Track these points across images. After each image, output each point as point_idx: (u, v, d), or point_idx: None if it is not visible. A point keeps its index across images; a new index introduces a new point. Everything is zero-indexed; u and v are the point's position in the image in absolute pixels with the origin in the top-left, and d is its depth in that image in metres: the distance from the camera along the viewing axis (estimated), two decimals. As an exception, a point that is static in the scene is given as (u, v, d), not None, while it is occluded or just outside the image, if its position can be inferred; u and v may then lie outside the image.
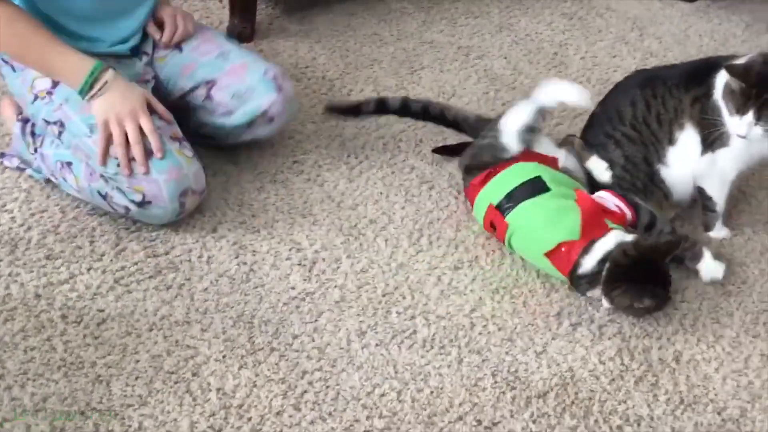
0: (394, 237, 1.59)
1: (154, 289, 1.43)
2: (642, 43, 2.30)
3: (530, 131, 1.58)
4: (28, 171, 1.63)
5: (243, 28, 2.14)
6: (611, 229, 1.45)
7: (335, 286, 1.47)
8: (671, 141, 1.57)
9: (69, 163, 1.53)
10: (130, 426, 1.21)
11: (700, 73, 1.56)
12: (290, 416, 1.24)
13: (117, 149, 1.44)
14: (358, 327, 1.39)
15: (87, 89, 1.46)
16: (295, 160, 1.77)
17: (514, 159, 1.57)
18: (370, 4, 2.41)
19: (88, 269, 1.46)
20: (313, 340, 1.36)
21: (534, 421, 1.26)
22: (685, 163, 1.58)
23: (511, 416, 1.27)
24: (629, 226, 1.52)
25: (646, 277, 1.37)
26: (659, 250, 1.39)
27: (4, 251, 1.47)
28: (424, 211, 1.66)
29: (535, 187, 1.50)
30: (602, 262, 1.39)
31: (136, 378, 1.28)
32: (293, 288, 1.45)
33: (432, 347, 1.37)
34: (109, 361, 1.30)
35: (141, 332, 1.35)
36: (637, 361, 1.36)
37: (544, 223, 1.47)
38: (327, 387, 1.29)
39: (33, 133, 1.60)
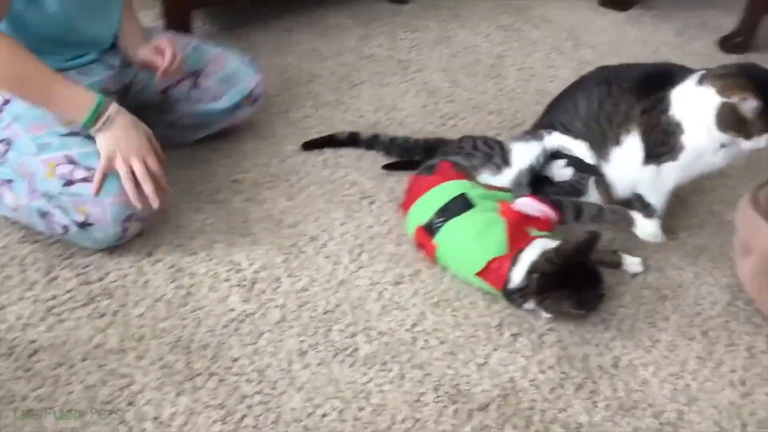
0: (334, 254, 1.58)
1: (87, 318, 1.39)
2: (577, 52, 2.34)
3: (530, 172, 1.63)
4: None
5: (178, 47, 2.12)
6: (534, 238, 1.46)
7: (276, 306, 1.45)
8: (617, 142, 1.60)
9: (9, 181, 1.48)
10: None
11: (652, 83, 1.57)
12: (230, 442, 1.22)
13: (126, 185, 1.42)
14: (299, 347, 1.38)
15: (91, 123, 1.43)
16: (233, 180, 1.75)
17: (438, 178, 1.58)
18: (308, 20, 2.42)
19: (19, 299, 1.42)
20: (253, 363, 1.34)
21: (476, 434, 1.26)
22: (626, 165, 1.61)
23: (454, 430, 1.27)
24: (561, 224, 1.54)
25: (575, 280, 1.39)
26: (581, 250, 1.41)
27: (-71, 284, 1.43)
28: (365, 227, 1.66)
29: (460, 205, 1.51)
30: (530, 273, 1.40)
31: (69, 410, 1.24)
32: (232, 310, 1.43)
33: (374, 364, 1.36)
34: (41, 393, 1.27)
35: (74, 362, 1.31)
36: (577, 368, 1.38)
37: (471, 242, 1.47)
38: (267, 410, 1.27)
39: None
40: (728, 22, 2.54)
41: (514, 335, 1.43)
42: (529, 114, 2.03)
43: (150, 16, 2.22)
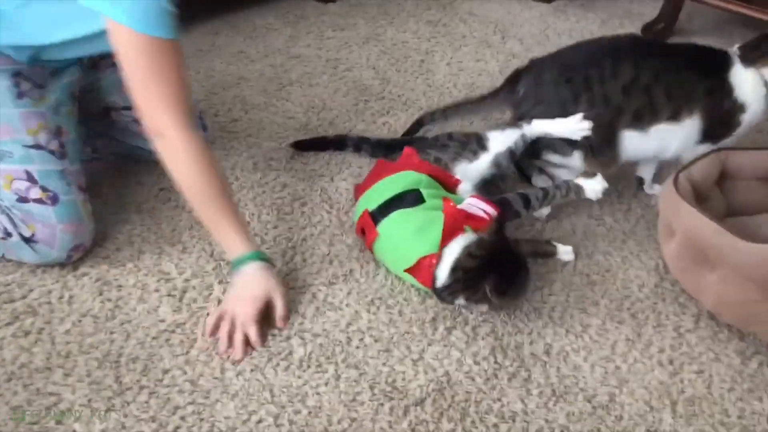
0: (266, 258, 1.57)
1: (11, 337, 1.35)
2: (504, 45, 2.37)
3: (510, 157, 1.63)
4: None
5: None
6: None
7: (207, 315, 1.43)
8: (675, 118, 1.61)
9: None
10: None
11: (706, 63, 1.63)
12: (163, 455, 1.20)
13: (220, 345, 1.36)
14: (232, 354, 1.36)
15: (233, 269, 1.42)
16: (161, 188, 1.72)
17: (398, 166, 1.58)
18: (234, 21, 2.39)
19: (-62, 322, 1.37)
20: (185, 373, 1.32)
21: (413, 429, 1.27)
22: (675, 141, 1.64)
23: (390, 427, 1.27)
24: (509, 221, 1.54)
25: (499, 270, 1.38)
26: (496, 234, 1.40)
27: None
28: (297, 229, 1.65)
29: (412, 199, 1.51)
30: (454, 270, 1.40)
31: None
32: (162, 321, 1.41)
33: (309, 366, 1.36)
34: (-36, 418, 1.23)
35: (-2, 384, 1.28)
36: (510, 357, 1.39)
37: (408, 237, 1.47)
38: (201, 420, 1.25)
39: None
40: (650, 9, 2.61)
41: (448, 329, 1.44)
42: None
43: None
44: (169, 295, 1.46)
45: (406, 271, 1.46)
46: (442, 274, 1.41)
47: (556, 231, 1.67)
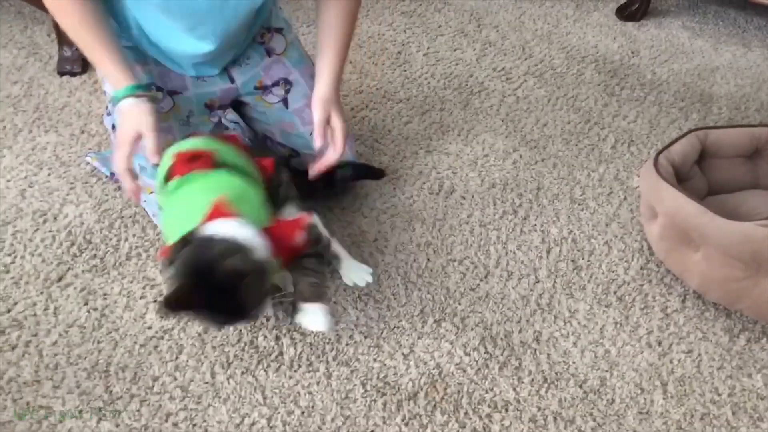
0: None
1: (-3, 352, 1.34)
2: (480, 33, 2.36)
3: None
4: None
5: (74, 61, 2.05)
6: None
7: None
8: None
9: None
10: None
11: None
12: (157, 462, 1.20)
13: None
14: (222, 358, 1.36)
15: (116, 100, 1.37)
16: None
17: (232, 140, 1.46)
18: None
19: None
20: (175, 379, 1.31)
21: (406, 424, 1.27)
22: None
23: (384, 423, 1.27)
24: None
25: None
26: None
27: None
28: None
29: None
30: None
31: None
32: (150, 327, 1.40)
33: (300, 366, 1.35)
34: (-46, 436, 1.22)
35: (-14, 400, 1.26)
36: (500, 347, 1.40)
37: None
38: (194, 426, 1.25)
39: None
40: (624, -8, 2.60)
41: (437, 321, 1.44)
42: (437, 99, 2.05)
43: None
44: (155, 301, 1.45)
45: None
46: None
47: (539, 218, 1.67)
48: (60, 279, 1.48)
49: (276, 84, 1.61)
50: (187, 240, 1.15)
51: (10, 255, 1.51)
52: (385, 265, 1.55)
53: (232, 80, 1.57)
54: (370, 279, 1.50)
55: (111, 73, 1.37)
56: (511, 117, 1.99)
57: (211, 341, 1.38)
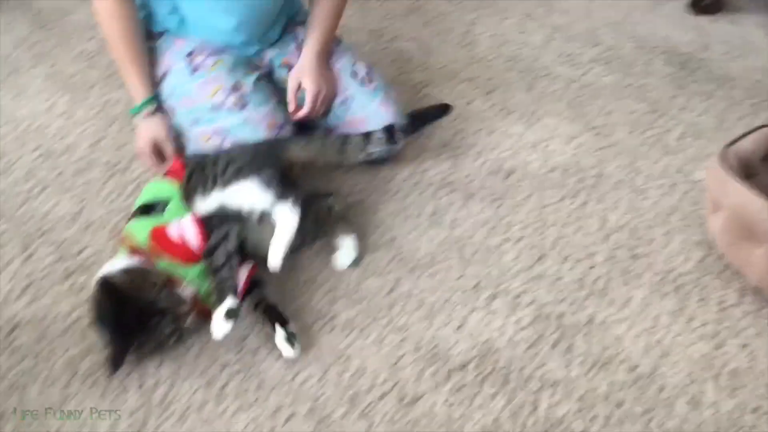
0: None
1: (66, 293, 1.40)
2: (548, 18, 2.35)
3: None
4: None
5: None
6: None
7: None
8: None
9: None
10: (48, 430, 1.19)
11: None
12: (213, 409, 1.24)
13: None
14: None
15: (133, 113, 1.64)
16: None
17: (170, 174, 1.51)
18: None
19: (-4, 277, 1.42)
20: (234, 331, 1.34)
21: (455, 393, 1.29)
22: None
23: (433, 390, 1.29)
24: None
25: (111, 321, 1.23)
26: (100, 300, 1.25)
27: None
28: (342, 196, 1.66)
29: (159, 209, 1.42)
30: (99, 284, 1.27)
31: (52, 383, 1.25)
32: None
33: (353, 329, 1.38)
34: (24, 367, 1.27)
35: (54, 337, 1.32)
36: (552, 327, 1.40)
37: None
38: (249, 377, 1.29)
39: None
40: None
41: (490, 297, 1.45)
42: (501, 81, 2.04)
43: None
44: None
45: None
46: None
47: (599, 204, 1.67)
48: (126, 229, 1.53)
49: None
50: None
51: (80, 203, 1.57)
52: (440, 239, 1.57)
53: (263, 59, 1.75)
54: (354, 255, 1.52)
55: (135, 85, 1.62)
56: (575, 103, 1.98)
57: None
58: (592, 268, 1.52)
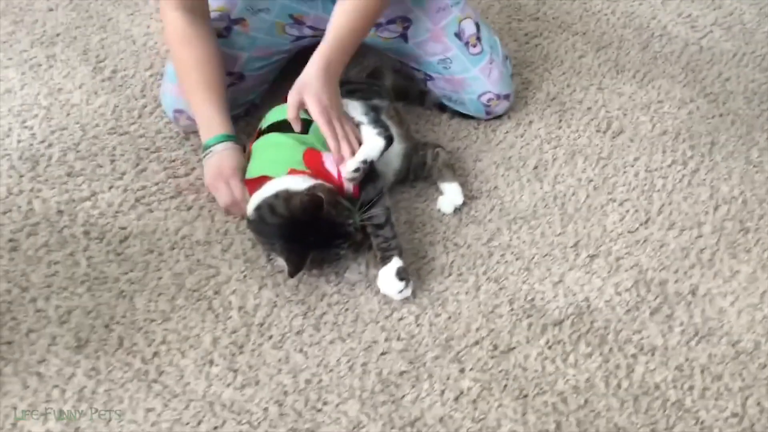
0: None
1: (175, 209, 1.43)
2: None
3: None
4: None
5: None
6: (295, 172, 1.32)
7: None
8: None
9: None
10: (153, 340, 1.24)
11: None
12: (310, 336, 1.26)
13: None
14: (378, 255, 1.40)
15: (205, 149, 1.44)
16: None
17: None
18: None
19: (110, 187, 1.46)
20: (332, 265, 1.37)
21: (549, 348, 1.28)
22: None
23: (527, 342, 1.29)
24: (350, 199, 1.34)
25: (299, 234, 1.26)
26: (305, 210, 1.24)
27: (25, 167, 1.48)
28: (445, 141, 1.65)
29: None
30: (256, 210, 1.30)
31: (159, 294, 1.30)
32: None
33: (450, 274, 1.38)
34: (132, 277, 1.32)
35: (163, 250, 1.36)
36: (653, 293, 1.37)
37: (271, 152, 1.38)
38: (346, 310, 1.31)
39: None
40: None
41: (591, 256, 1.43)
42: (615, 36, 1.97)
43: None
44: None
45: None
46: (249, 209, 1.32)
47: (710, 173, 1.61)
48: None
49: (392, 21, 1.58)
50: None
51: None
52: (542, 194, 1.54)
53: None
54: (458, 202, 1.50)
55: (210, 116, 1.43)
56: (691, 66, 1.90)
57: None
58: (699, 237, 1.48)
